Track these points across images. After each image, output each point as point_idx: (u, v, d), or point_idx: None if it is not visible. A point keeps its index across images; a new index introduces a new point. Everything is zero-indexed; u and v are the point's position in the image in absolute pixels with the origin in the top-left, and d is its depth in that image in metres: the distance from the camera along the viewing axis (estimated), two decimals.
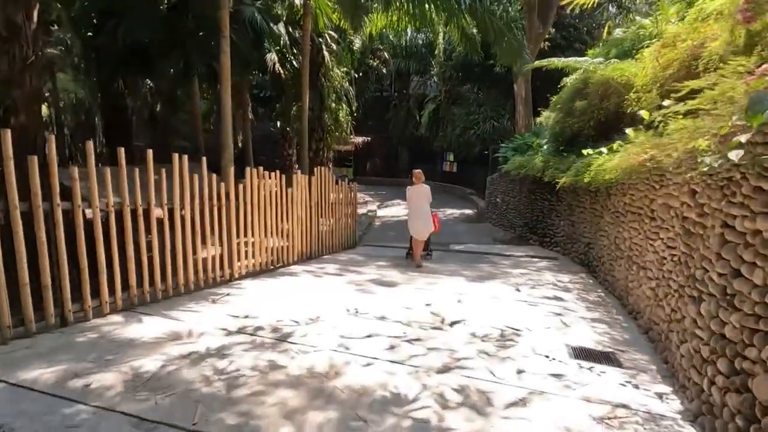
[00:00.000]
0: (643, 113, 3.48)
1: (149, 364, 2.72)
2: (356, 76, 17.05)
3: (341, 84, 13.53)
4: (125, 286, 3.82)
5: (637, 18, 11.72)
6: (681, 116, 3.05)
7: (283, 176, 6.19)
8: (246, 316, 3.74)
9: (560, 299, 4.87)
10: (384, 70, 22.79)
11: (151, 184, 4.14)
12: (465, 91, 18.98)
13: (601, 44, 11.28)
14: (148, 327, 3.39)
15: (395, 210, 14.26)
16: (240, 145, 14.53)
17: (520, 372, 2.85)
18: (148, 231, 4.11)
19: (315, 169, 7.21)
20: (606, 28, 10.03)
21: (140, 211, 4.01)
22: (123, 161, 3.82)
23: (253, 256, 5.54)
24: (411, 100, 22.28)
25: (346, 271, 6.12)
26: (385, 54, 22.92)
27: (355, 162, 23.82)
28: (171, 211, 4.25)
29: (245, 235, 5.34)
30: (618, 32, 11.17)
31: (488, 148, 14.86)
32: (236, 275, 5.18)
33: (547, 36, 14.53)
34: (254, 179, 5.45)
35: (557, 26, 15.45)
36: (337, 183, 7.94)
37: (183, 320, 3.59)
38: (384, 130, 24.47)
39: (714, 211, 2.66)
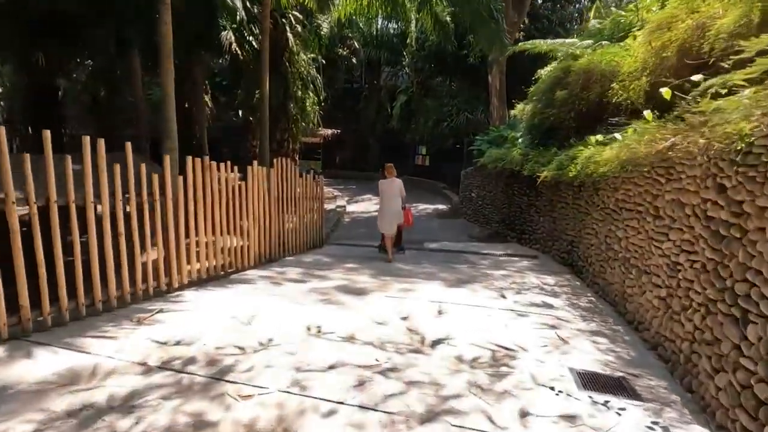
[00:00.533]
0: (664, 92, 2.94)
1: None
2: (323, 62, 16.12)
3: (308, 71, 12.64)
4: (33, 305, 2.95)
5: (613, 9, 11.50)
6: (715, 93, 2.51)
7: (236, 168, 5.36)
8: (177, 343, 2.96)
9: (550, 306, 4.36)
10: (354, 60, 21.95)
11: (69, 176, 3.27)
12: (437, 83, 18.45)
13: (576, 35, 10.97)
14: (37, 364, 2.56)
15: (365, 205, 13.57)
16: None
17: (524, 415, 2.25)
18: (70, 233, 3.26)
19: (275, 160, 6.41)
20: (589, 12, 9.57)
21: (53, 208, 3.15)
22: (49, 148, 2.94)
23: (199, 260, 4.71)
24: (382, 92, 21.57)
25: (310, 276, 5.38)
26: (355, 43, 22.07)
27: (324, 155, 22.91)
28: (83, 209, 3.38)
29: (188, 236, 4.51)
30: (594, 23, 10.88)
31: (462, 141, 14.40)
32: (176, 285, 4.35)
33: (521, 26, 14.17)
34: (198, 171, 4.61)
35: (531, 17, 15.13)
36: (301, 176, 7.16)
37: (91, 352, 2.77)
38: (354, 122, 23.64)
39: (761, 212, 2.14)
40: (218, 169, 4.96)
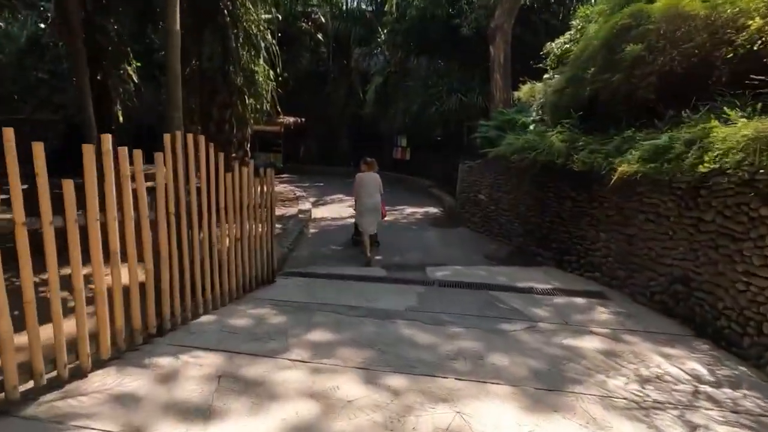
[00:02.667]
0: None
1: None
2: (280, 35, 13.04)
3: (262, 33, 9.53)
4: None
5: None
6: None
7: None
8: None
9: None
10: (320, 37, 18.86)
11: None
12: (417, 64, 15.75)
13: None
14: None
15: (337, 208, 10.67)
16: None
17: None
18: None
19: (171, 142, 3.42)
20: None
21: None
22: None
23: None
24: (353, 74, 18.62)
25: (224, 395, 2.49)
26: (321, 17, 18.98)
27: (286, 147, 19.72)
28: None
29: None
30: None
31: (462, 127, 11.75)
32: None
33: None
34: None
35: None
36: (229, 170, 4.19)
37: None
38: (321, 109, 20.58)
39: None
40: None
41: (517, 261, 6.53)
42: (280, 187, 13.27)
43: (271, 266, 4.97)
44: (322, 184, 15.29)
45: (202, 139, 3.71)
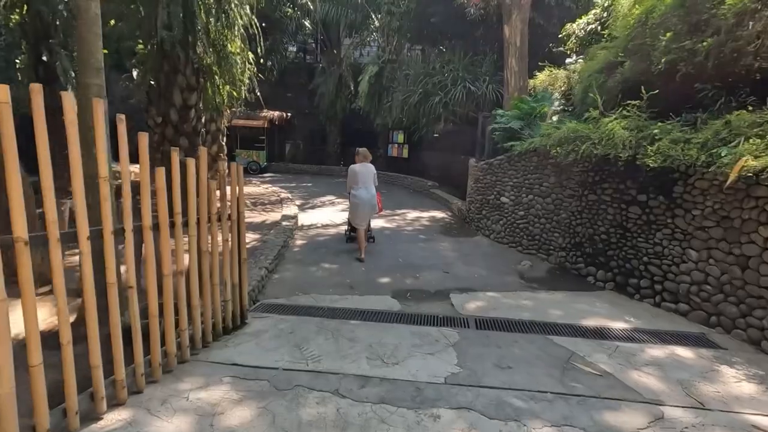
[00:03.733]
0: None
1: None
2: (264, 25, 11.47)
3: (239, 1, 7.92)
4: None
5: None
6: None
7: None
8: None
9: None
10: (307, 23, 17.26)
11: None
12: (416, 51, 14.28)
13: None
14: None
15: (329, 213, 9.14)
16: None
17: None
18: None
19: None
20: None
21: None
22: None
23: None
24: (344, 64, 17.05)
25: None
26: (308, 2, 17.37)
27: (270, 144, 18.06)
28: None
29: None
30: None
31: (470, 120, 10.29)
32: None
33: None
34: None
35: None
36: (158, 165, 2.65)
37: None
38: (309, 103, 19.01)
39: None
40: None
41: (563, 283, 5.10)
42: (261, 188, 11.66)
43: (239, 302, 3.44)
44: (310, 184, 13.71)
45: (99, 104, 2.17)
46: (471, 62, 11.16)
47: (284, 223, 7.09)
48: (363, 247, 5.86)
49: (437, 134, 12.32)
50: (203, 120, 7.25)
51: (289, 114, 18.10)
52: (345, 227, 7.22)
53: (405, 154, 14.69)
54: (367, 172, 5.90)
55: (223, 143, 10.36)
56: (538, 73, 10.46)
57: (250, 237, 6.29)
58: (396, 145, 15.11)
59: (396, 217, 8.77)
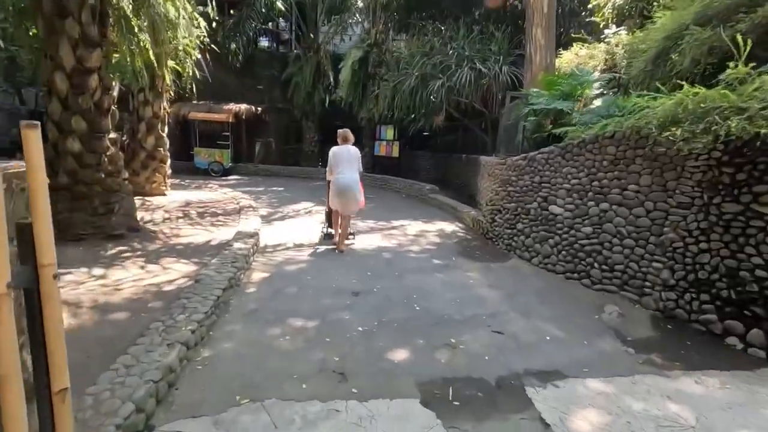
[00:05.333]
0: None
1: None
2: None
3: None
4: None
5: None
6: None
7: None
8: None
9: None
10: (279, 4, 14.98)
11: None
12: (409, 29, 12.23)
13: None
14: None
15: (305, 225, 6.90)
16: None
17: None
18: None
19: None
20: None
21: None
22: None
23: None
24: (322, 51, 14.82)
25: None
26: None
27: (236, 142, 15.63)
28: None
29: None
30: None
31: (503, 99, 8.14)
32: None
33: None
34: None
35: None
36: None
37: None
38: (281, 97, 16.71)
39: None
40: None
41: (696, 353, 3.06)
42: (218, 194, 9.31)
43: None
44: (281, 189, 11.41)
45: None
46: (479, 39, 9.17)
47: (237, 244, 4.82)
48: (342, 238, 5.28)
49: (438, 127, 10.27)
50: (112, 92, 4.90)
51: (259, 109, 15.73)
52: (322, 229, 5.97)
53: (395, 152, 12.57)
54: (349, 154, 5.24)
55: (162, 132, 7.97)
56: (562, 51, 8.59)
57: (176, 272, 4.01)
58: (384, 143, 13.00)
59: (394, 231, 6.64)
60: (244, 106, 15.04)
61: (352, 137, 5.43)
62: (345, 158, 5.18)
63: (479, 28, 9.43)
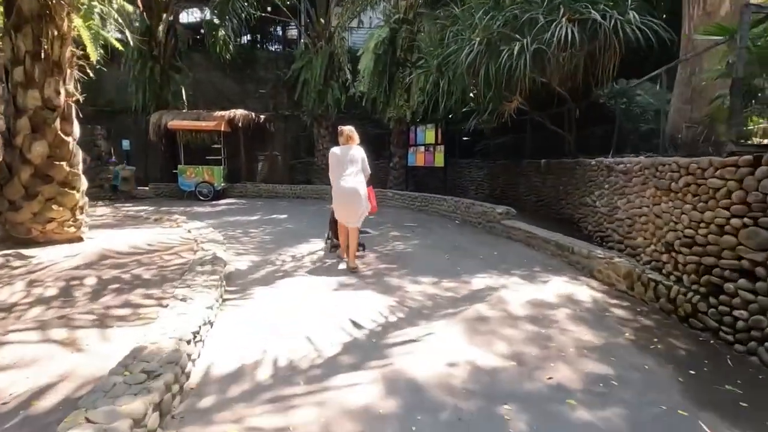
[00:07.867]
0: None
1: None
2: None
3: None
4: None
5: None
6: None
7: None
8: None
9: None
10: None
11: None
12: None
13: None
14: None
15: (312, 296, 3.71)
16: None
17: None
18: None
19: None
20: None
21: None
22: None
23: None
24: (335, 39, 11.83)
25: None
26: None
27: (233, 157, 12.69)
28: None
29: None
30: None
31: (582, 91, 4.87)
32: None
33: None
34: None
35: None
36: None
37: None
38: (288, 103, 13.85)
39: None
40: None
41: None
42: (176, 233, 6.13)
43: None
44: (283, 216, 8.27)
45: None
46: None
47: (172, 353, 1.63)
48: (353, 254, 4.40)
49: (511, 117, 7.01)
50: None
51: (261, 116, 12.79)
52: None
53: (438, 161, 9.28)
54: (352, 156, 4.46)
55: (70, 139, 4.78)
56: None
57: None
58: (422, 149, 9.76)
59: (482, 308, 3.34)
60: (240, 112, 12.14)
61: (356, 136, 4.63)
62: (348, 160, 4.46)
63: None
